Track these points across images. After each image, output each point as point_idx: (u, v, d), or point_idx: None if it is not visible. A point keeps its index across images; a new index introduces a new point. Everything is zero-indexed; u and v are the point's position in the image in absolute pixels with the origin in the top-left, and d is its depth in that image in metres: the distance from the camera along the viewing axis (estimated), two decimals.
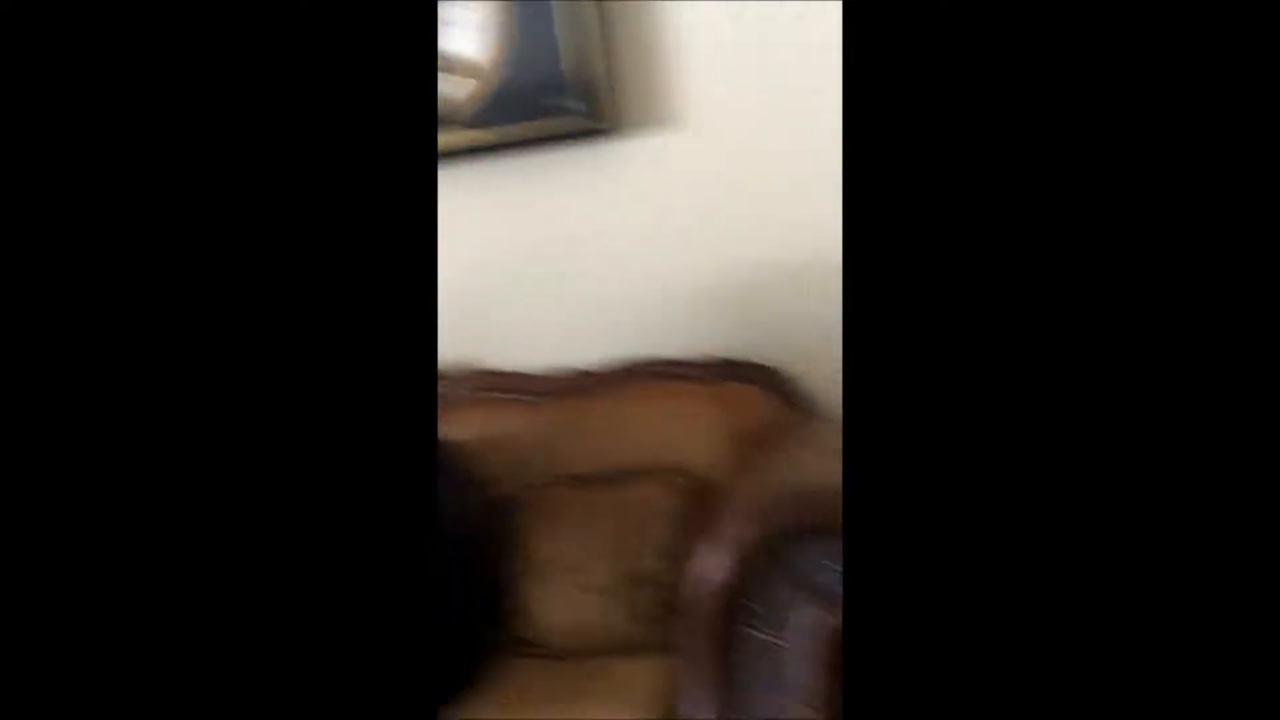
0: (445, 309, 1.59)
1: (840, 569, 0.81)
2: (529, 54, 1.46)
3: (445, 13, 1.50)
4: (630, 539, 1.18)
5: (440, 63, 1.53)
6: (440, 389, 1.41)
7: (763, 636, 0.92)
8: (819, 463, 1.01)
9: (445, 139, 1.54)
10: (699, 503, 1.16)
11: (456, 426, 1.30)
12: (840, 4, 0.36)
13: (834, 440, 0.57)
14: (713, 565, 0.93)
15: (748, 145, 1.40)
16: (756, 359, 1.38)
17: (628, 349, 1.41)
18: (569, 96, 1.45)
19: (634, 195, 1.47)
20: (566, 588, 1.18)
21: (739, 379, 1.33)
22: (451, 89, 1.54)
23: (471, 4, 1.48)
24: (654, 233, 1.47)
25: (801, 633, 0.90)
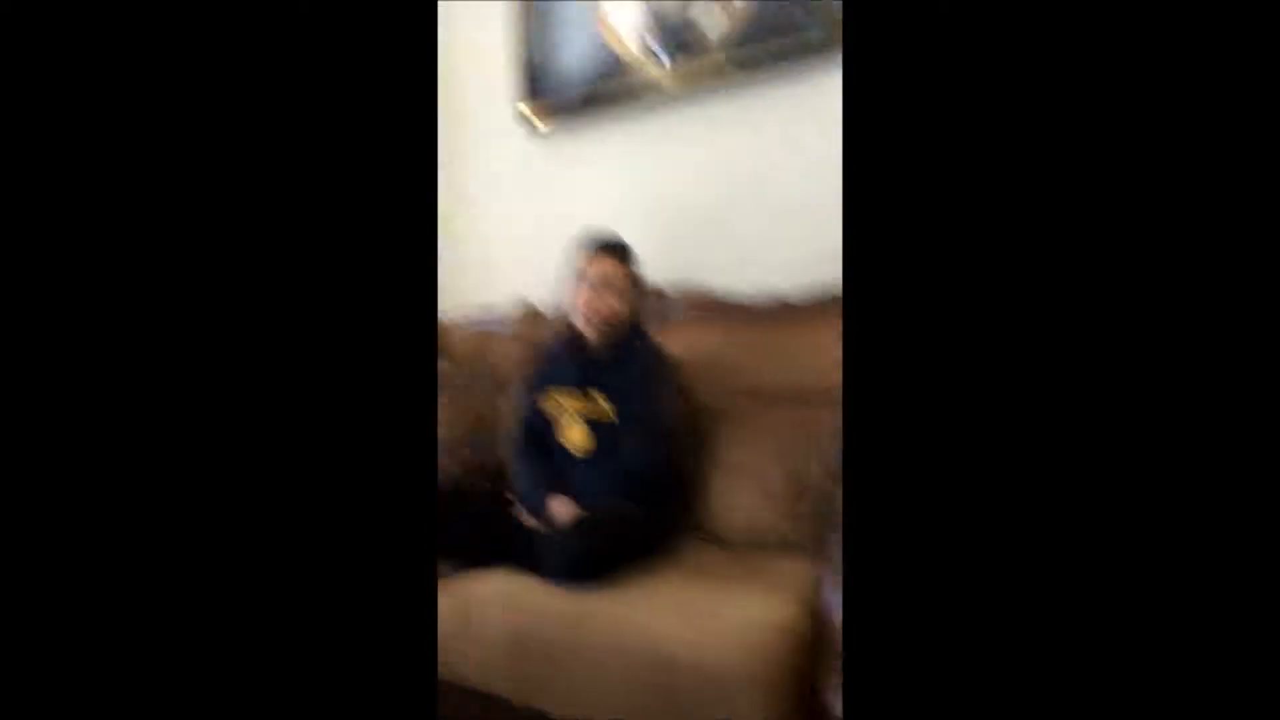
0: (671, 229, 1.77)
1: None
2: None
3: None
4: (801, 453, 1.28)
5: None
6: (659, 307, 1.61)
7: None
8: None
9: (697, 66, 1.68)
10: None
11: (671, 341, 1.48)
12: None
13: None
14: None
15: None
16: None
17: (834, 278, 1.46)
18: (811, 24, 1.50)
19: None
20: (745, 488, 1.32)
21: None
22: (710, 20, 1.66)
23: None
24: None
25: None
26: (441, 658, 1.11)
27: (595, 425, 1.38)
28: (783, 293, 1.54)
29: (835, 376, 1.48)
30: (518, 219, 2.07)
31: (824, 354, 1.32)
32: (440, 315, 2.16)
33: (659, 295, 1.64)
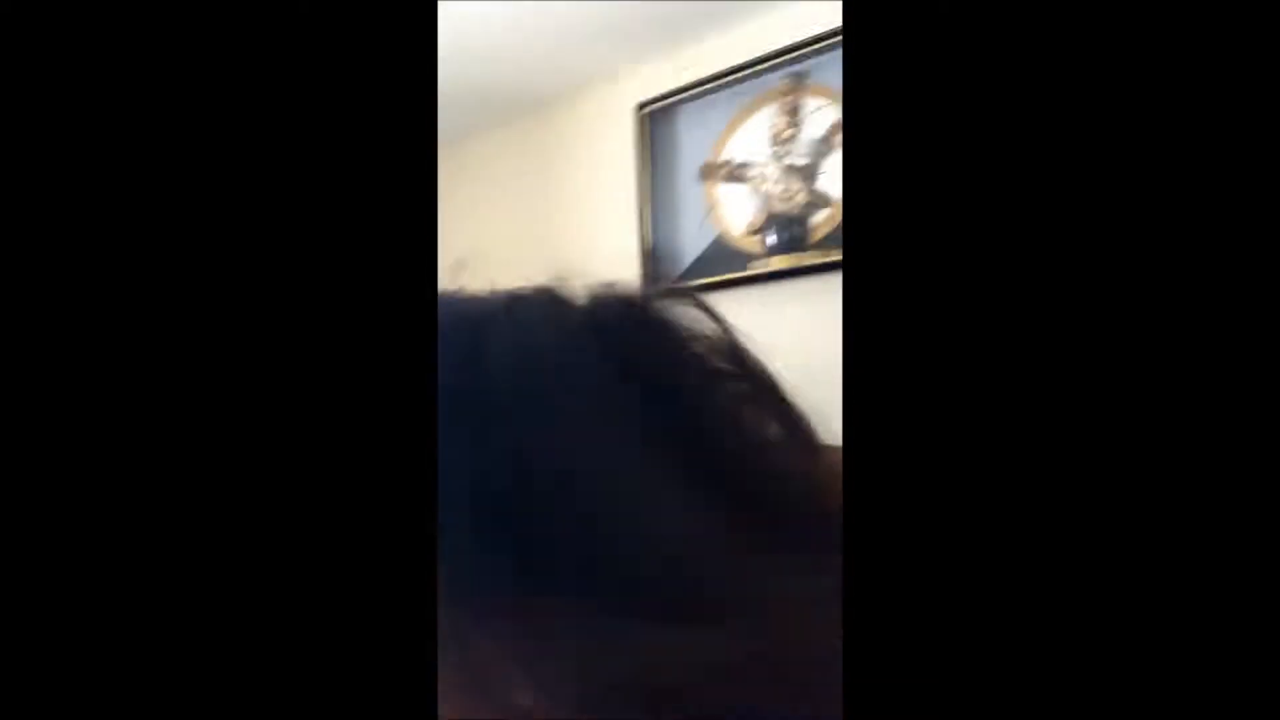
0: None
1: None
2: None
3: (828, 164, 1.85)
4: None
5: (816, 198, 1.88)
6: None
7: None
8: None
9: (798, 258, 1.86)
10: None
11: None
12: None
13: None
14: None
15: None
16: None
17: None
18: None
19: None
20: None
21: None
22: (817, 218, 1.87)
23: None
24: None
25: None
26: None
27: None
28: None
29: None
30: None
31: None
32: None
33: None
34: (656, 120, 2.18)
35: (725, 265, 1.97)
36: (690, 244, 2.06)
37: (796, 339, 1.87)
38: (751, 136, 1.98)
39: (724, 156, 2.03)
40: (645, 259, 2.14)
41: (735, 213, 1.99)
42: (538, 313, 0.32)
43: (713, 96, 2.06)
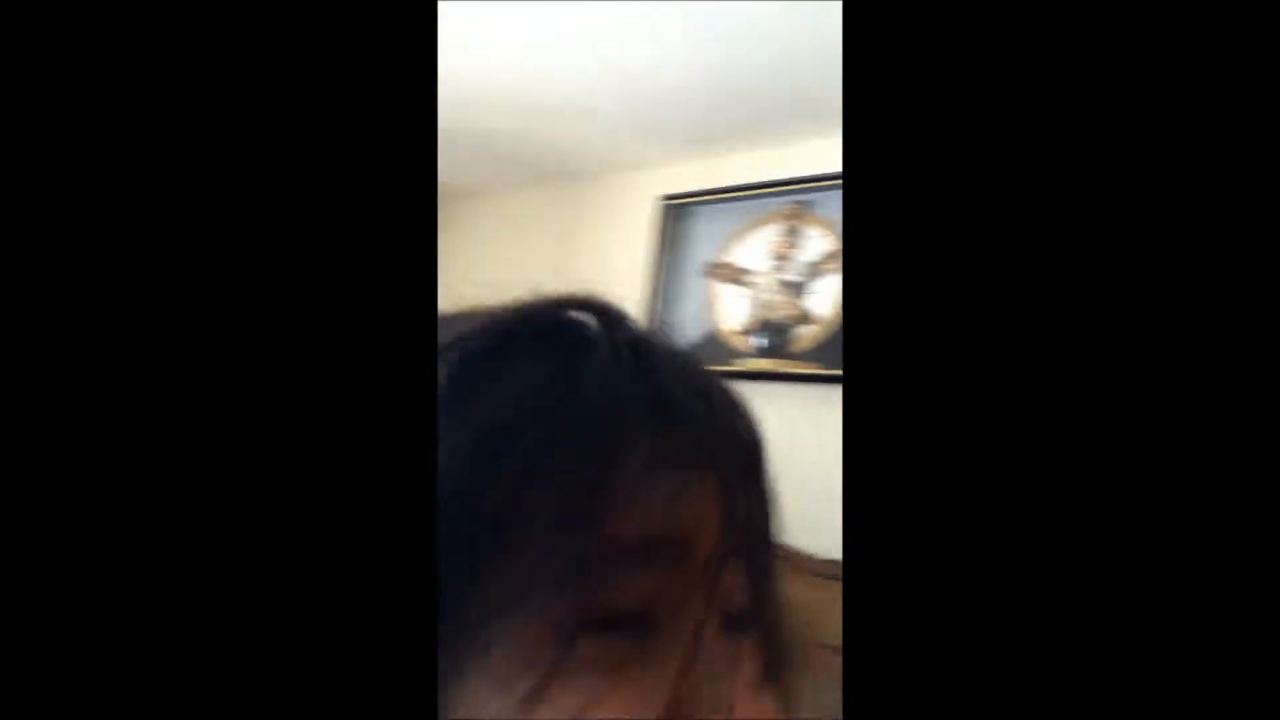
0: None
1: None
2: None
3: (818, 285, 2.08)
4: None
5: (803, 313, 2.10)
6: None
7: None
8: None
9: (780, 364, 2.07)
10: None
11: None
12: None
13: None
14: None
15: None
16: None
17: None
18: None
19: None
20: None
21: None
22: (801, 331, 2.09)
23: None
24: None
25: None
26: None
27: None
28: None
29: None
30: None
31: None
32: None
33: None
34: (675, 214, 2.42)
35: (713, 357, 2.17)
36: (685, 330, 2.26)
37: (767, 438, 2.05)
38: (755, 247, 2.21)
39: (728, 259, 2.26)
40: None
41: (730, 311, 2.21)
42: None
43: (728, 205, 2.30)
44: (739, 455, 0.29)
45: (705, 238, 2.34)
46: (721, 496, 0.27)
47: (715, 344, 2.19)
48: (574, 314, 0.30)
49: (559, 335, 0.29)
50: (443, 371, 0.26)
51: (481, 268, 2.86)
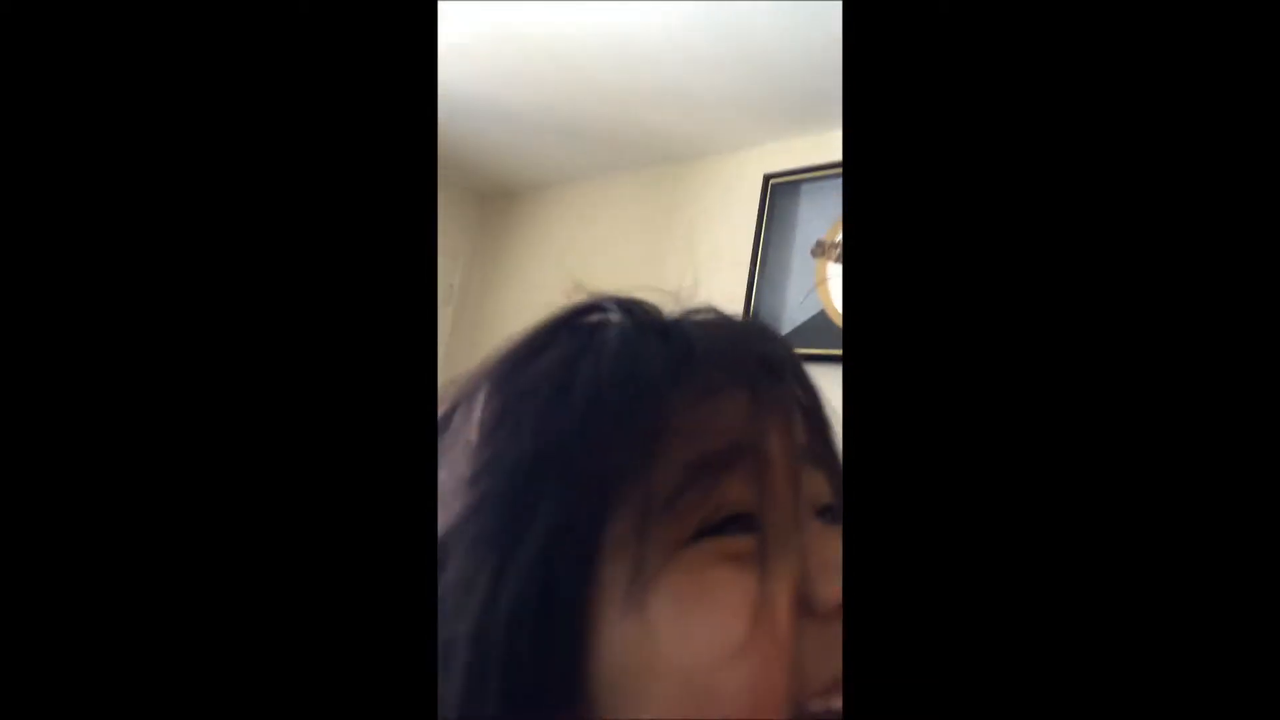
0: None
1: None
2: None
3: None
4: None
5: None
6: None
7: None
8: None
9: None
10: None
11: None
12: None
13: None
14: None
15: None
16: None
17: None
18: None
19: None
20: None
21: None
22: None
23: None
24: None
25: None
26: None
27: None
28: None
29: None
30: None
31: None
32: None
33: None
34: (779, 192, 2.34)
35: (823, 339, 2.08)
36: (793, 312, 2.19)
37: None
38: None
39: (838, 238, 2.16)
40: (746, 315, 2.27)
41: (840, 292, 2.12)
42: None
43: (835, 181, 2.20)
44: (771, 373, 0.32)
45: (813, 216, 2.25)
46: (775, 410, 0.30)
47: (826, 327, 2.11)
48: (595, 310, 0.33)
49: (580, 328, 0.33)
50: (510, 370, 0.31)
51: (580, 255, 2.88)
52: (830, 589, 0.27)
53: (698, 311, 0.35)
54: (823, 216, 2.22)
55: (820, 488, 0.31)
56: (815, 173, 2.26)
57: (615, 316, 0.33)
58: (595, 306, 0.34)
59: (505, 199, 3.33)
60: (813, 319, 2.15)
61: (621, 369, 0.29)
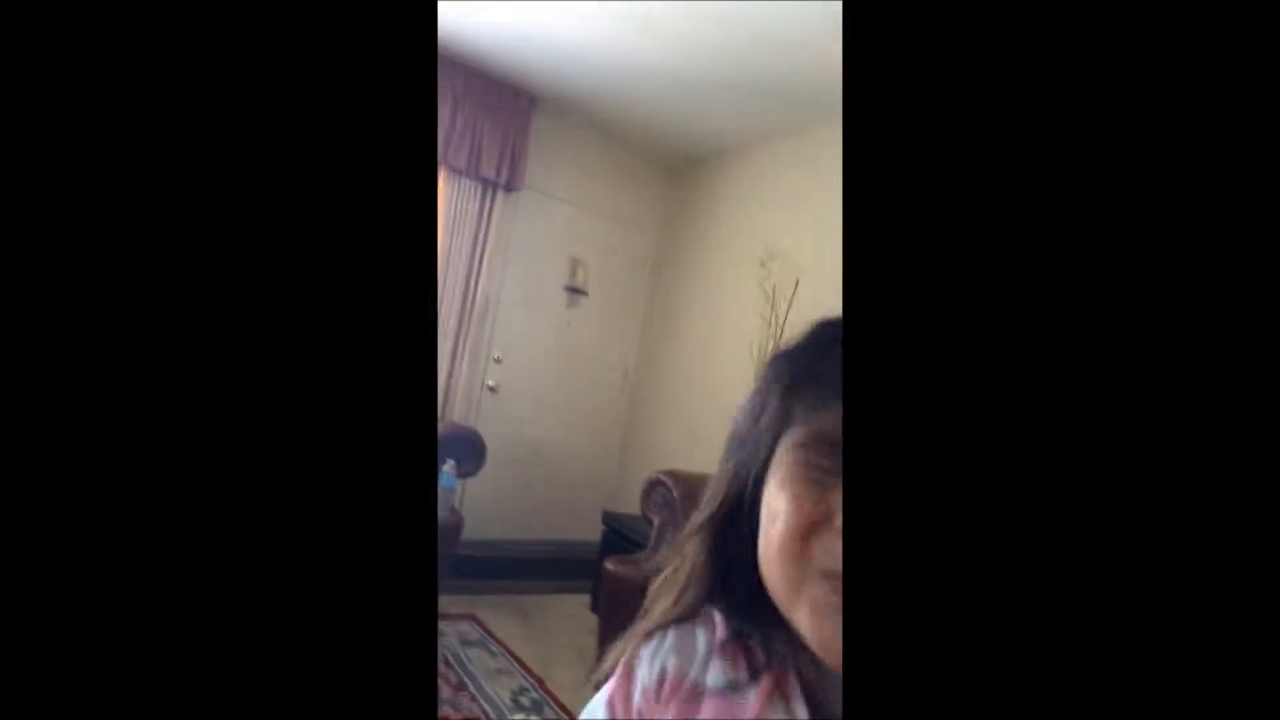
0: None
1: None
2: None
3: None
4: None
5: None
6: None
7: None
8: None
9: None
10: None
11: None
12: None
13: None
14: None
15: None
16: None
17: None
18: None
19: None
20: None
21: None
22: None
23: None
24: None
25: None
26: None
27: None
28: None
29: None
30: None
31: None
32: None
33: None
34: None
35: None
36: None
37: None
38: None
39: None
40: None
41: None
42: None
43: None
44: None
45: None
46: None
47: None
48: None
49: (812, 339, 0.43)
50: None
51: (787, 211, 2.77)
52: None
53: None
54: None
55: None
56: None
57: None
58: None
59: (693, 166, 3.29)
60: None
61: (794, 376, 0.41)
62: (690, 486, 2.07)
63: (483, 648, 2.10)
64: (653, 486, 2.10)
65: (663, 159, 3.33)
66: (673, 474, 2.09)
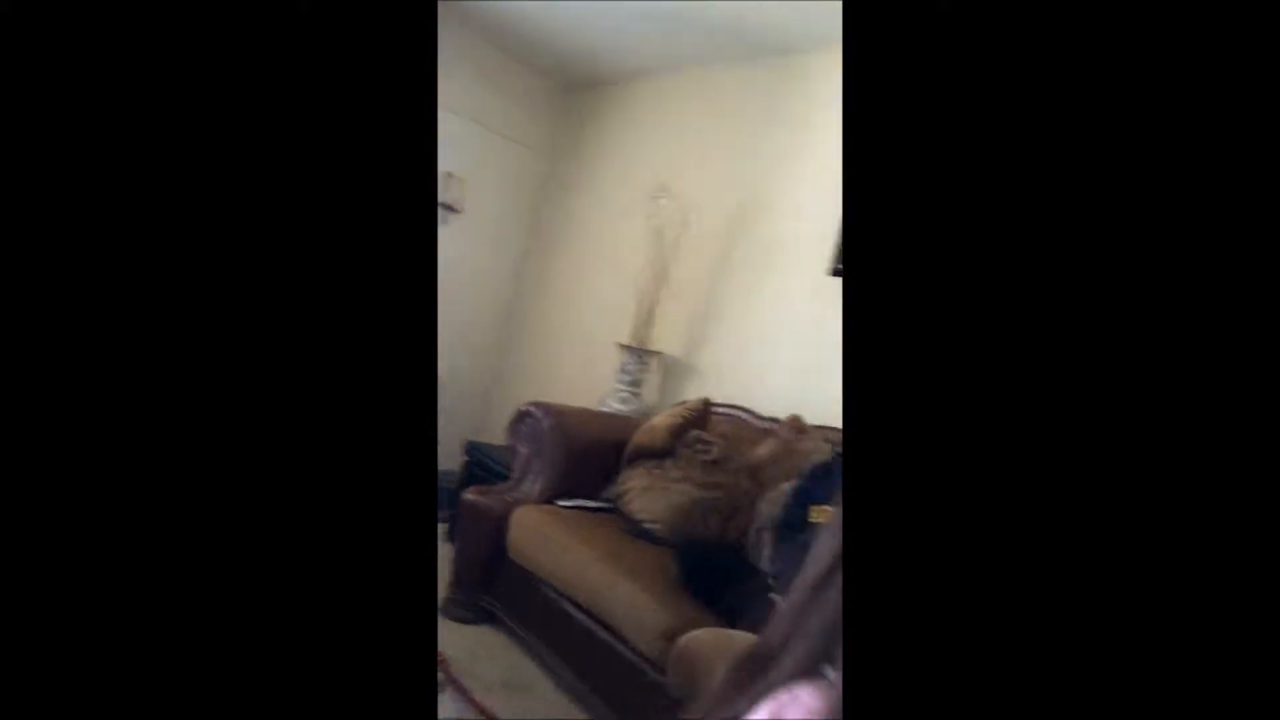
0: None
1: None
2: None
3: None
4: None
5: None
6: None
7: None
8: None
9: None
10: None
11: None
12: None
13: None
14: None
15: None
16: None
17: None
18: None
19: None
20: None
21: None
22: None
23: None
24: None
25: None
26: None
27: None
28: None
29: None
30: (808, 345, 2.18)
31: None
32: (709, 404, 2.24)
33: None
34: None
35: None
36: None
37: None
38: None
39: None
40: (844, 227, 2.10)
41: None
42: None
43: None
44: None
45: None
46: None
47: None
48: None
49: None
50: None
51: (686, 145, 2.69)
52: None
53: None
54: None
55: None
56: None
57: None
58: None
59: (593, 89, 3.13)
60: None
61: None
62: (560, 419, 2.01)
63: None
64: (522, 417, 2.03)
65: (562, 78, 3.14)
66: (542, 405, 2.03)
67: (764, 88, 2.49)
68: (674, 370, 2.51)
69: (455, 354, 3.05)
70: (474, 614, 1.92)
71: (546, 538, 1.77)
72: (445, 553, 2.13)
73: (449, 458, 2.90)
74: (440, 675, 1.59)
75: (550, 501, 1.94)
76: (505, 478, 2.07)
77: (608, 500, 1.98)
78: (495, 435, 2.55)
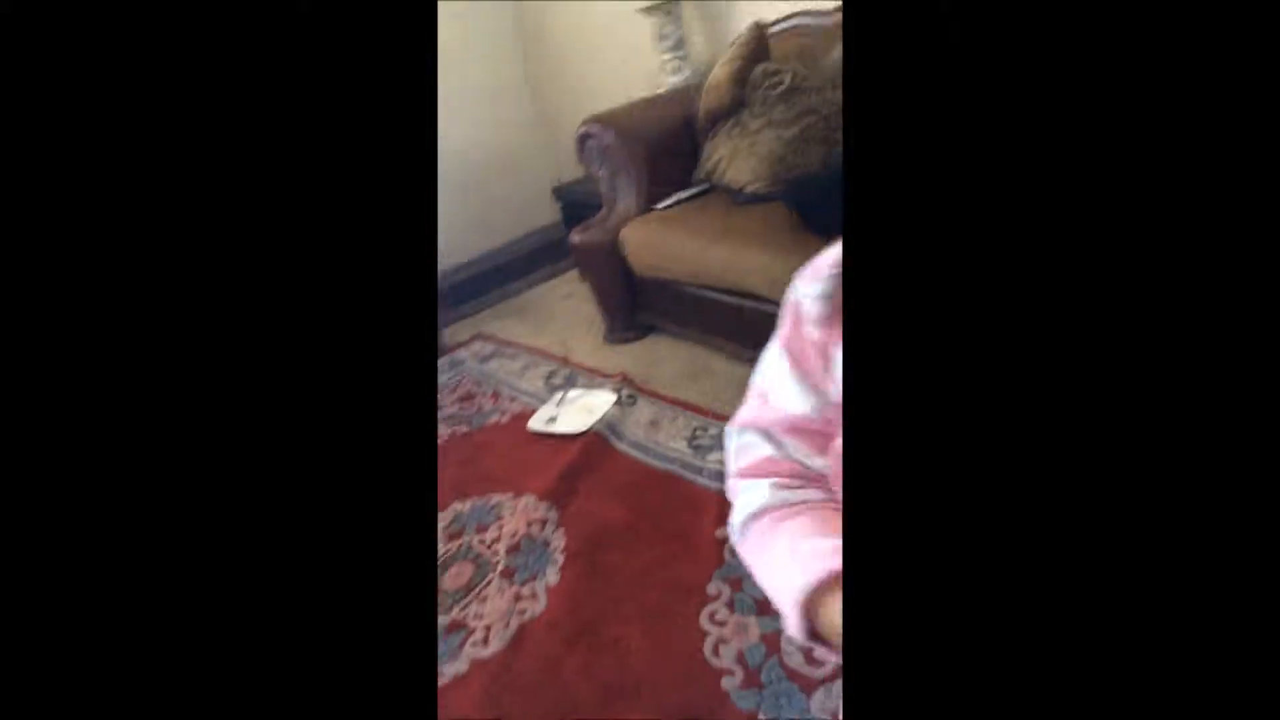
0: None
1: None
2: None
3: None
4: None
5: None
6: None
7: None
8: None
9: None
10: None
11: None
12: None
13: None
14: None
15: None
16: None
17: None
18: None
19: None
20: None
21: None
22: None
23: None
24: None
25: None
26: None
27: None
28: None
29: None
30: None
31: None
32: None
33: None
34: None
35: None
36: None
37: None
38: None
39: None
40: None
41: None
42: None
43: None
44: None
45: None
46: None
47: None
48: None
49: None
50: None
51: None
52: None
53: None
54: None
55: None
56: None
57: None
58: None
59: None
60: None
61: None
62: (619, 125, 1.91)
63: (500, 356, 2.18)
64: (584, 140, 1.95)
65: None
66: (597, 120, 1.92)
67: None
68: (710, 11, 2.21)
69: (497, 123, 2.90)
70: (634, 331, 2.06)
71: (658, 245, 1.79)
72: (586, 292, 2.24)
73: (546, 211, 2.92)
74: (627, 389, 1.78)
75: (649, 209, 1.93)
76: (600, 206, 2.06)
77: (702, 181, 1.92)
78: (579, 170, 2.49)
